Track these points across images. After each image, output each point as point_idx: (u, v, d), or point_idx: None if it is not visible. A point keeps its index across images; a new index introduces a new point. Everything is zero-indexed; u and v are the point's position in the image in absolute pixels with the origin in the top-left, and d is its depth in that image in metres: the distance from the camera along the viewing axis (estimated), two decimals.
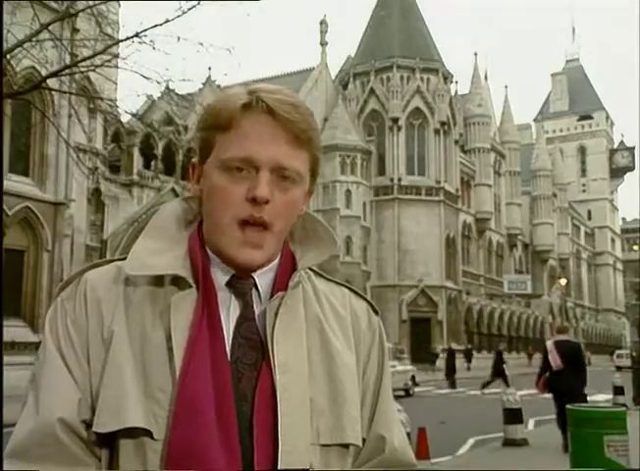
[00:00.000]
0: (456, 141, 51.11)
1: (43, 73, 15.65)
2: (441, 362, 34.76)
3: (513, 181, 63.50)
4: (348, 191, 44.21)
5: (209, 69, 40.39)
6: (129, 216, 29.08)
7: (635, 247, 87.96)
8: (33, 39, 13.87)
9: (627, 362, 31.75)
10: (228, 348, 1.03)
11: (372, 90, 48.66)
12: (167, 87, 16.16)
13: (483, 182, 55.95)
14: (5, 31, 12.12)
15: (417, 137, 48.20)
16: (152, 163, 32.55)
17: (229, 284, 1.07)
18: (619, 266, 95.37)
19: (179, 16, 13.63)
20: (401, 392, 20.98)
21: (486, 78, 63.77)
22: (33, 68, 18.11)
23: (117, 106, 18.11)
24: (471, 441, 11.58)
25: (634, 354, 21.17)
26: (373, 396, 1.15)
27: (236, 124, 1.04)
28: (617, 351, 50.11)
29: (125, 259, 1.09)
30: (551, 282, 68.74)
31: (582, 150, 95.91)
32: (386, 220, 46.39)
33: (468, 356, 41.39)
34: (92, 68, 14.39)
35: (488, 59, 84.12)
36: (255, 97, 1.05)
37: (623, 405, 9.11)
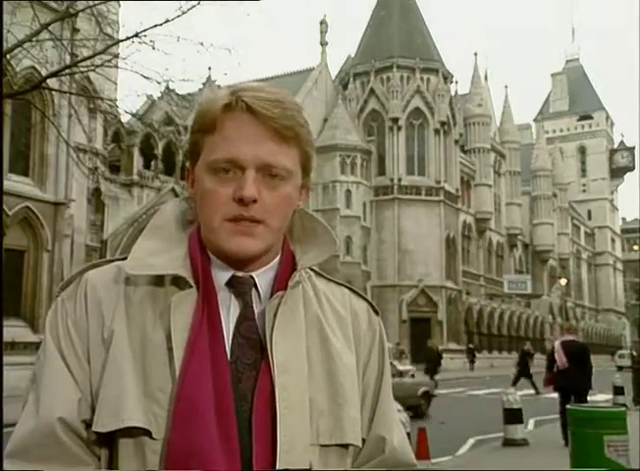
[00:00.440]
0: (456, 141, 51.10)
1: (43, 73, 15.65)
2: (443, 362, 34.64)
3: (513, 181, 63.50)
4: (348, 191, 44.21)
5: (209, 69, 40.40)
6: (129, 216, 29.06)
7: (635, 247, 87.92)
8: (33, 39, 13.87)
9: (629, 362, 31.77)
10: (228, 348, 1.03)
11: (372, 90, 48.64)
12: (167, 87, 16.17)
13: (483, 182, 55.95)
14: (5, 31, 12.12)
15: (417, 137, 48.18)
16: (152, 163, 32.53)
17: (229, 283, 1.07)
18: (619, 266, 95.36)
19: (179, 16, 13.64)
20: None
21: (486, 78, 63.76)
22: (33, 68, 18.11)
23: (117, 106, 18.11)
24: (471, 441, 11.58)
25: (634, 353, 21.15)
26: (373, 397, 1.15)
27: (219, 125, 1.04)
28: (619, 352, 50.60)
29: (125, 259, 1.09)
30: (551, 282, 68.74)
31: (582, 150, 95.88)
32: (386, 220, 46.38)
33: (471, 356, 41.29)
34: (92, 68, 14.39)
35: (488, 59, 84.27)
36: (235, 97, 1.04)
37: (623, 405, 9.13)
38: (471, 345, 44.71)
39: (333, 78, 51.46)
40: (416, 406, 14.88)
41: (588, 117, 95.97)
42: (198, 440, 0.96)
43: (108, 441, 1.00)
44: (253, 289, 1.08)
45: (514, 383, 21.25)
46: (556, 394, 10.60)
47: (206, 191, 1.04)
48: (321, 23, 50.28)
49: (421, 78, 48.53)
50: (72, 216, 24.22)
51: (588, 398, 10.77)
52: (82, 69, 14.74)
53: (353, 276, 39.22)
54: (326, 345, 1.09)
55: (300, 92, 45.08)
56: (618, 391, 15.72)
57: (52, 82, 16.05)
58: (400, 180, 46.92)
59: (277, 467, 0.98)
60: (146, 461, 0.97)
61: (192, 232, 1.11)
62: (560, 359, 9.95)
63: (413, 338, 42.69)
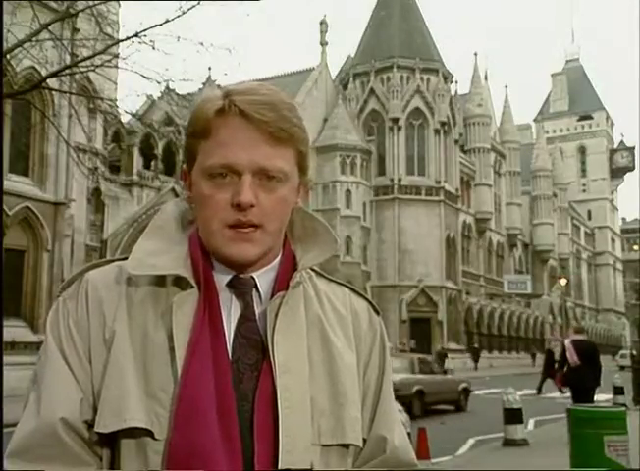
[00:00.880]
0: (456, 141, 51.07)
1: (43, 73, 15.65)
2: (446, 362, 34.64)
3: (513, 181, 63.46)
4: (348, 191, 44.20)
5: (209, 69, 40.35)
6: (129, 216, 29.06)
7: (635, 247, 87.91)
8: (33, 39, 13.88)
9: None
10: (229, 349, 1.03)
11: (372, 90, 48.61)
12: (167, 87, 16.18)
13: (483, 182, 55.92)
14: (5, 31, 12.13)
15: (417, 137, 48.16)
16: (152, 163, 32.52)
17: (229, 284, 1.07)
18: (619, 266, 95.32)
19: (179, 16, 13.66)
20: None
21: (486, 78, 63.67)
22: (33, 68, 18.11)
23: (117, 106, 18.13)
24: (471, 441, 11.58)
25: (634, 353, 21.15)
26: (374, 396, 1.15)
27: (214, 131, 1.04)
28: (622, 352, 51.18)
29: (125, 259, 1.09)
30: (551, 282, 68.70)
31: (582, 150, 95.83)
32: (386, 220, 46.36)
33: (475, 356, 41.21)
34: (92, 68, 14.40)
35: (488, 59, 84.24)
36: (228, 101, 1.04)
37: (623, 405, 9.15)
38: (476, 345, 44.61)
39: (333, 78, 51.44)
40: (457, 401, 16.87)
41: (588, 117, 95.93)
42: (200, 440, 0.96)
43: (110, 441, 1.01)
44: (254, 290, 1.08)
45: (539, 389, 20.44)
46: (555, 395, 10.67)
47: (204, 197, 1.04)
48: (321, 23, 50.26)
49: (421, 78, 48.51)
50: (72, 216, 24.22)
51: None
52: (82, 69, 14.75)
53: (353, 276, 39.21)
54: (327, 345, 1.09)
55: (300, 92, 45.06)
56: (618, 391, 15.73)
57: (52, 82, 16.05)
58: (400, 180, 46.90)
59: (278, 467, 0.98)
60: (148, 461, 0.97)
61: (193, 232, 1.11)
62: (572, 357, 10.41)
63: (413, 338, 42.68)
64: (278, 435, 0.99)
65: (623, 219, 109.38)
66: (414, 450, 1.24)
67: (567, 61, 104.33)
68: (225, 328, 1.04)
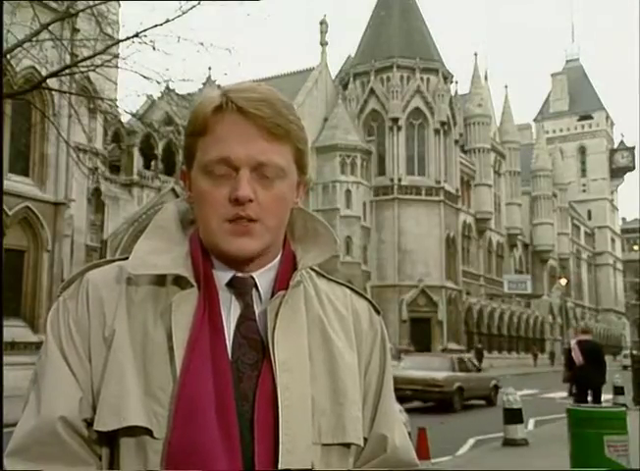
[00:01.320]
0: (456, 141, 51.07)
1: (43, 73, 15.65)
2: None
3: (513, 181, 63.45)
4: (348, 191, 44.19)
5: (209, 69, 40.46)
6: (129, 216, 29.06)
7: (635, 247, 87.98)
8: (33, 39, 13.88)
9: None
10: (229, 348, 1.03)
11: (372, 90, 48.60)
12: (167, 87, 16.18)
13: (483, 182, 55.91)
14: (5, 31, 12.12)
15: (417, 137, 48.15)
16: (152, 163, 32.54)
17: (229, 284, 1.07)
18: (619, 266, 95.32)
19: (179, 16, 13.67)
20: None
21: (486, 78, 63.65)
22: (33, 68, 18.12)
23: (117, 106, 18.13)
24: (471, 441, 11.58)
25: (634, 353, 21.17)
26: (375, 396, 1.15)
27: (211, 128, 1.05)
28: (624, 352, 51.83)
29: (126, 259, 1.09)
30: (551, 282, 68.69)
31: (582, 150, 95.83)
32: (386, 220, 46.36)
33: (479, 356, 41.11)
34: (92, 68, 14.40)
35: (488, 59, 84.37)
36: (225, 98, 1.05)
37: (623, 405, 9.15)
38: (479, 345, 44.53)
39: (333, 78, 51.43)
40: (488, 396, 18.12)
41: (588, 117, 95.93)
42: (200, 439, 0.96)
43: (109, 440, 1.01)
44: (254, 290, 1.08)
45: (571, 392, 20.22)
46: (556, 395, 10.72)
47: (202, 193, 1.05)
48: (321, 23, 50.25)
49: (421, 78, 48.51)
50: (72, 216, 24.22)
51: (589, 398, 10.97)
52: (82, 69, 14.75)
53: (353, 276, 39.21)
54: (328, 345, 1.09)
55: (300, 92, 45.06)
56: (618, 391, 15.75)
57: (52, 82, 16.05)
58: (400, 180, 46.90)
59: (279, 467, 0.98)
60: (147, 460, 0.97)
61: (193, 232, 1.11)
62: (577, 357, 10.91)
63: (413, 338, 42.67)
64: (278, 434, 0.98)
65: (623, 219, 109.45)
66: (414, 450, 1.24)
67: (567, 61, 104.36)
68: (224, 327, 1.04)
